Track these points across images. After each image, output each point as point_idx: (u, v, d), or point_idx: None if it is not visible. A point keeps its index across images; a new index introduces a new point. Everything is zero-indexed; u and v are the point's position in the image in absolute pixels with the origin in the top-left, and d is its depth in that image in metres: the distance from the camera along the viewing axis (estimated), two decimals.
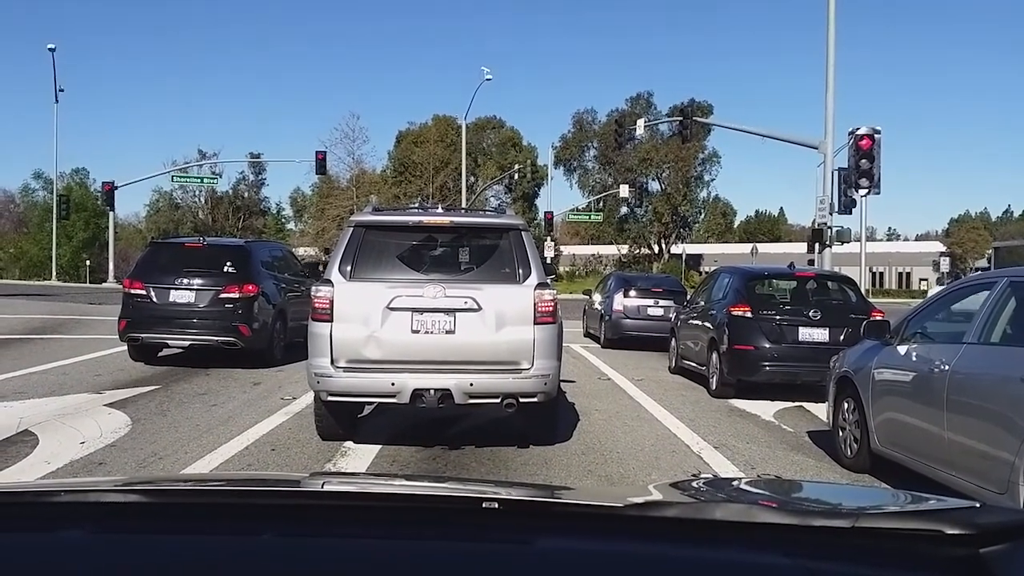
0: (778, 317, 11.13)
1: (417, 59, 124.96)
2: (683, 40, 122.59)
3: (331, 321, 7.08)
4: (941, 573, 1.24)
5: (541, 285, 7.21)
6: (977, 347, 5.63)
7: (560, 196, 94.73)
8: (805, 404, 10.35)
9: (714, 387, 11.33)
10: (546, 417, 7.60)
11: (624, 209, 73.50)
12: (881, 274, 76.28)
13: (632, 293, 17.99)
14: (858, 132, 20.80)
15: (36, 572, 1.23)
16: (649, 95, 73.79)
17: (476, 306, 7.05)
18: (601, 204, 68.92)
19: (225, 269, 12.52)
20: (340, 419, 7.57)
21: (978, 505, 1.60)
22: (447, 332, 7.05)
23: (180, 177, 57.87)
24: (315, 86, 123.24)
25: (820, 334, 10.88)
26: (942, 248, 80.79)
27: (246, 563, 1.26)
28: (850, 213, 23.03)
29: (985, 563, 1.24)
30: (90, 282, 53.19)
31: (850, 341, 9.36)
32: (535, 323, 7.11)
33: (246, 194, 78.47)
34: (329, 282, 7.18)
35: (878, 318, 9.02)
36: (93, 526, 1.36)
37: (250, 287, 12.40)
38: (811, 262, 23.71)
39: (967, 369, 5.60)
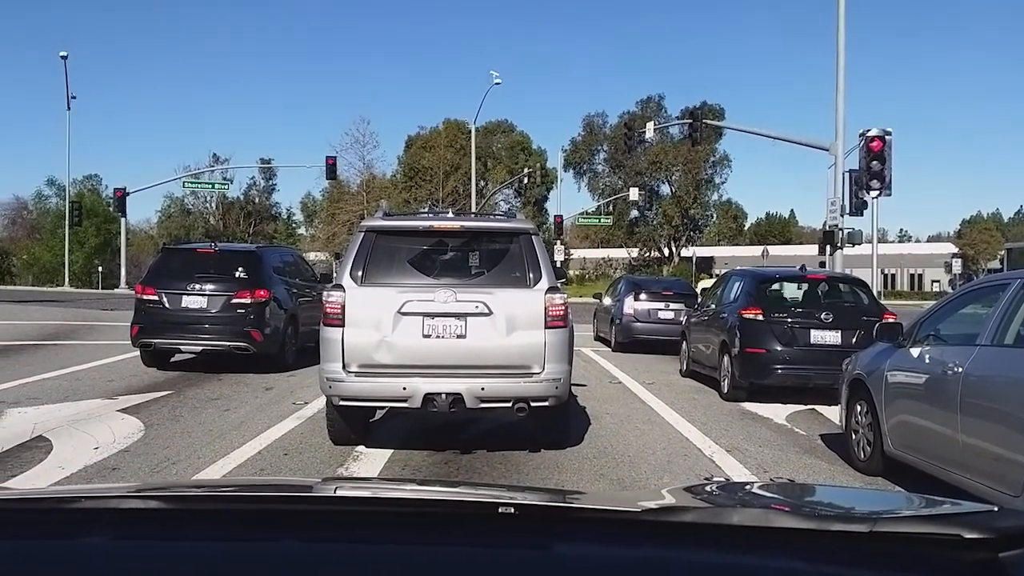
0: (790, 320, 11.09)
1: (427, 64, 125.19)
2: (694, 44, 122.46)
3: (343, 326, 7.10)
4: None
5: (552, 289, 7.21)
6: (991, 349, 5.59)
7: (570, 199, 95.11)
8: (817, 407, 10.31)
9: (725, 390, 11.30)
10: (557, 421, 7.59)
11: (634, 212, 73.44)
12: (893, 276, 75.96)
13: (642, 296, 17.97)
14: (869, 134, 20.73)
15: None
16: (660, 98, 73.72)
17: (487, 310, 7.05)
18: (611, 207, 68.84)
19: (237, 274, 12.58)
20: (352, 423, 7.58)
21: (996, 509, 1.59)
22: (458, 336, 7.06)
23: (191, 183, 58.23)
24: (326, 91, 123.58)
25: (832, 337, 10.84)
26: (954, 249, 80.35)
27: (260, 568, 1.27)
28: (861, 215, 22.95)
29: (1004, 568, 1.23)
30: (102, 288, 53.45)
31: (862, 344, 9.31)
32: (546, 327, 7.10)
33: (257, 199, 78.80)
34: (340, 287, 7.19)
35: (890, 320, 8.98)
36: (112, 532, 1.37)
37: (262, 292, 12.45)
38: (822, 264, 23.64)
39: (981, 371, 5.57)
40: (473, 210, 48.13)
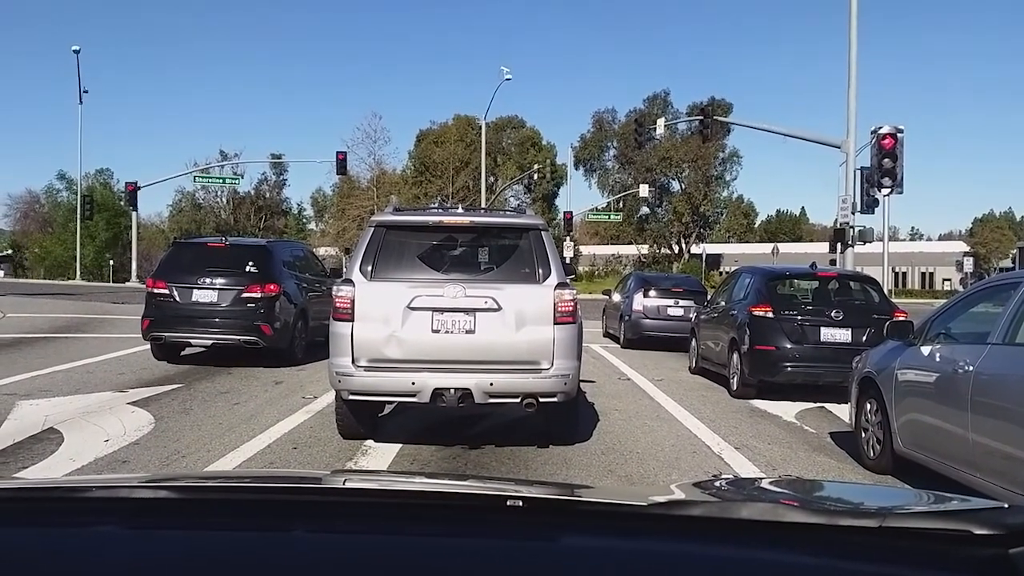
0: (800, 317, 11.05)
1: (437, 59, 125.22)
2: (703, 38, 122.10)
3: (352, 321, 7.11)
4: (969, 574, 1.23)
5: (561, 285, 7.20)
6: (1002, 348, 5.57)
7: (580, 196, 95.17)
8: (827, 405, 10.28)
9: (735, 388, 11.28)
10: (566, 417, 7.59)
11: (644, 209, 73.33)
12: (904, 274, 75.68)
13: (652, 293, 17.93)
14: (881, 131, 20.66)
15: (72, 566, 1.24)
16: (666, 94, 73.78)
17: (496, 306, 7.06)
18: (621, 204, 68.77)
19: (247, 269, 12.61)
20: (361, 418, 7.60)
21: (1006, 506, 1.59)
22: (467, 332, 7.06)
23: (202, 177, 58.39)
24: (336, 86, 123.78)
25: (842, 334, 10.80)
26: (965, 248, 79.98)
27: (270, 558, 1.27)
28: (872, 212, 22.90)
29: (1014, 564, 1.23)
30: (113, 281, 53.69)
31: (872, 342, 9.28)
32: (555, 323, 7.10)
33: (267, 194, 78.96)
34: (350, 282, 7.21)
35: (901, 318, 8.95)
36: (123, 522, 1.38)
37: (272, 287, 12.49)
38: (833, 262, 23.56)
39: (992, 370, 5.54)
40: (483, 206, 48.16)
